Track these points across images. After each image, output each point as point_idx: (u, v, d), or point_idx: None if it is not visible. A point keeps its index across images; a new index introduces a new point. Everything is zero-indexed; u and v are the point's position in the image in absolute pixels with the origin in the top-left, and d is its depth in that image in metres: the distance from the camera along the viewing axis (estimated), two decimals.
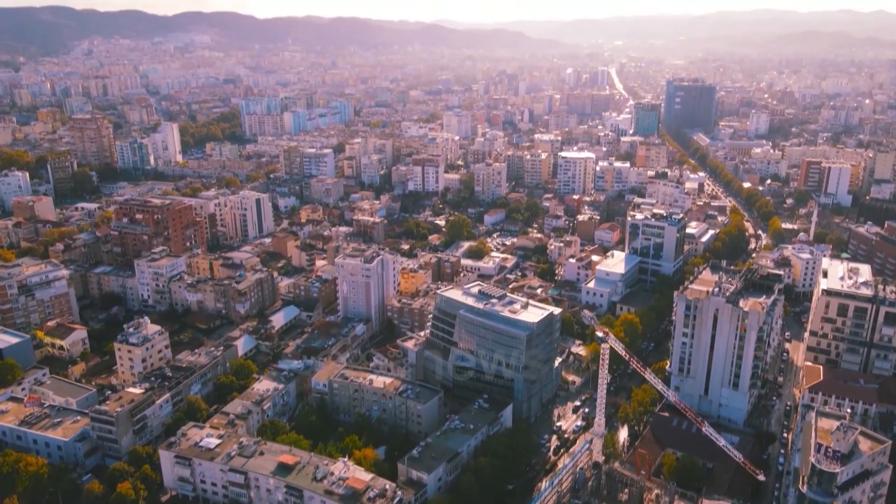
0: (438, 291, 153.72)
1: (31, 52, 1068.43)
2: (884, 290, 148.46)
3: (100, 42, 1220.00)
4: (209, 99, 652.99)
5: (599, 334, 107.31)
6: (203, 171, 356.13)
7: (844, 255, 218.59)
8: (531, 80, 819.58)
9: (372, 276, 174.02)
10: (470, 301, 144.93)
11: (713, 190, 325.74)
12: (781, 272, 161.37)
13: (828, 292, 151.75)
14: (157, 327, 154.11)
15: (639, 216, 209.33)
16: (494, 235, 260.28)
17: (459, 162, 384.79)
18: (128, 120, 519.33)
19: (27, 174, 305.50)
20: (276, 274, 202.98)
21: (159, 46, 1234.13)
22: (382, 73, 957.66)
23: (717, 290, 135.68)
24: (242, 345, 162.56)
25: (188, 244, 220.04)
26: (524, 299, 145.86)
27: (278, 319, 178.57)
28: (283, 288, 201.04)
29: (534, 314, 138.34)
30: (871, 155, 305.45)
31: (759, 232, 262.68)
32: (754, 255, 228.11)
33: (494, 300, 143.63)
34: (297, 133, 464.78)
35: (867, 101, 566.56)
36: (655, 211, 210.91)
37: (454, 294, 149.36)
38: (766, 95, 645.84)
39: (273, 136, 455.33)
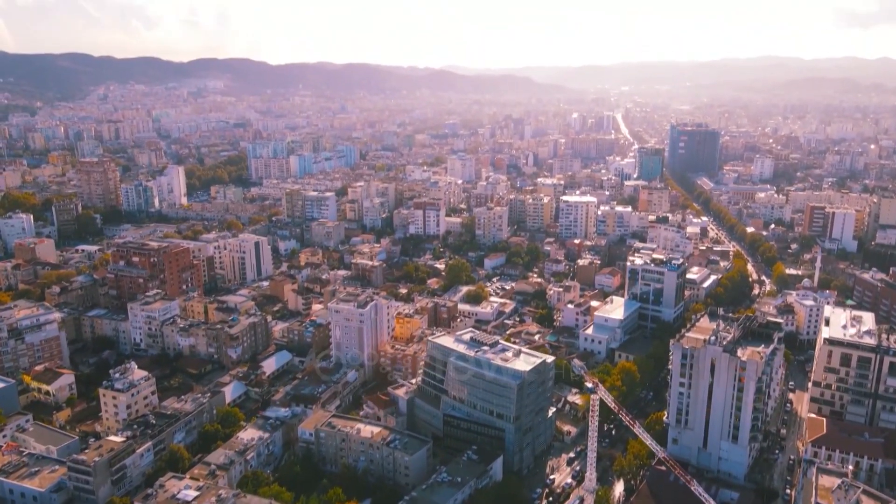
0: (430, 338, 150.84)
1: (49, 98, 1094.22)
2: (888, 339, 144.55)
3: (115, 87, 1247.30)
4: (218, 142, 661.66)
5: (588, 385, 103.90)
6: (206, 213, 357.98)
7: (849, 301, 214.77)
8: (537, 125, 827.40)
9: (365, 322, 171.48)
10: (461, 348, 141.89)
11: (717, 234, 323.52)
12: (781, 320, 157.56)
13: (830, 341, 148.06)
14: (143, 373, 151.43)
15: (638, 261, 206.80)
16: (494, 280, 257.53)
17: (462, 205, 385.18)
18: (137, 163, 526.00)
19: (31, 216, 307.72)
20: (270, 318, 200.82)
21: (173, 91, 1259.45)
22: (390, 118, 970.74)
23: (713, 338, 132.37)
24: (231, 391, 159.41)
25: (184, 287, 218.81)
26: (517, 347, 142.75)
27: (270, 365, 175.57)
28: (278, 332, 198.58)
29: (526, 362, 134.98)
30: (875, 200, 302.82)
31: (763, 277, 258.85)
32: (758, 301, 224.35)
33: (486, 347, 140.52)
34: (303, 176, 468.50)
35: (872, 147, 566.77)
36: (655, 256, 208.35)
37: (446, 341, 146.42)
38: (770, 140, 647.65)
39: (278, 179, 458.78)
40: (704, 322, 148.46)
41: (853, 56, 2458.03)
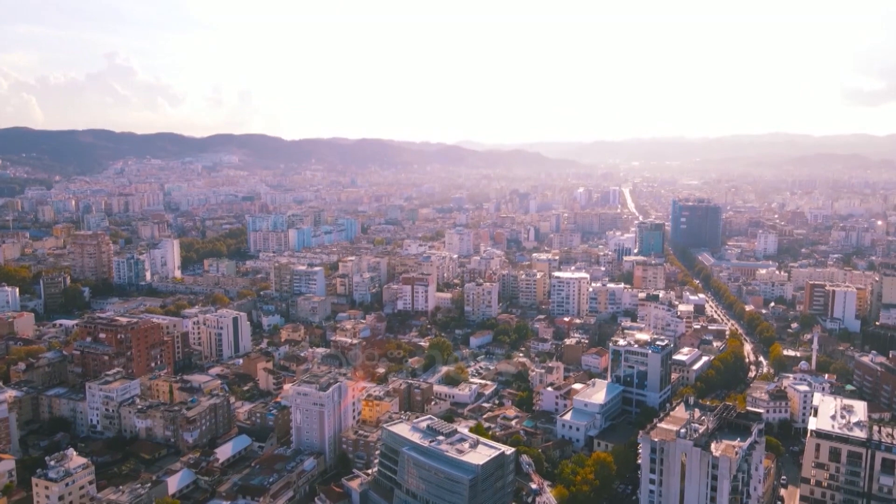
0: (385, 425, 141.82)
1: (68, 172, 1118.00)
2: (879, 431, 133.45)
3: (133, 162, 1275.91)
4: (224, 215, 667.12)
5: (533, 486, 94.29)
6: (196, 287, 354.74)
7: (849, 386, 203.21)
8: (543, 199, 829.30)
9: (326, 405, 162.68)
10: (416, 437, 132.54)
11: (715, 312, 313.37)
12: (762, 410, 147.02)
13: (817, 434, 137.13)
14: (83, 460, 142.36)
15: (622, 342, 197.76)
16: (479, 359, 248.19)
17: (456, 280, 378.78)
18: (140, 236, 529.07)
19: (17, 290, 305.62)
20: (235, 399, 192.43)
21: (189, 166, 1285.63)
22: (398, 192, 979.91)
23: (684, 431, 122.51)
24: (179, 480, 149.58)
25: (153, 365, 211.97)
26: (475, 437, 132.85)
27: (225, 451, 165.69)
28: (242, 414, 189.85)
29: (481, 454, 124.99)
30: (878, 278, 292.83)
31: (760, 359, 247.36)
32: (751, 385, 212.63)
33: (441, 437, 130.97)
34: (300, 249, 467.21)
35: (879, 223, 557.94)
36: (638, 336, 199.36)
37: (400, 429, 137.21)
38: (775, 216, 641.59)
39: (275, 252, 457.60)
40: (680, 411, 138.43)
41: (862, 133, 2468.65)
